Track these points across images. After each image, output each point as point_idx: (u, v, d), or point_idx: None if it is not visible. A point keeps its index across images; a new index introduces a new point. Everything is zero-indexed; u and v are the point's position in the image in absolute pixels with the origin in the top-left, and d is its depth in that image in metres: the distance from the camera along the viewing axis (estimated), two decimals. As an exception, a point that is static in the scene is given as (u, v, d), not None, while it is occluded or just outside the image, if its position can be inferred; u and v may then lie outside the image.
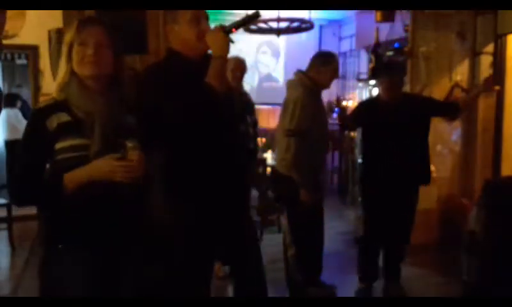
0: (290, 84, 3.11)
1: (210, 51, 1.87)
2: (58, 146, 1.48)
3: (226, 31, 1.81)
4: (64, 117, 1.49)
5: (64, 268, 1.51)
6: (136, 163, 1.48)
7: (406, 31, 4.37)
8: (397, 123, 3.03)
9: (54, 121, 1.49)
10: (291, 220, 3.08)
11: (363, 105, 3.64)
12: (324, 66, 2.99)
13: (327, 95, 7.86)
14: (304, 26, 4.96)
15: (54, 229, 1.55)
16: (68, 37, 1.54)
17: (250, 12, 1.92)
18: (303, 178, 2.90)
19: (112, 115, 1.53)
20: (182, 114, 1.78)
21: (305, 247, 3.07)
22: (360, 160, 3.72)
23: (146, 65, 1.98)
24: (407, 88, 4.26)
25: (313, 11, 5.17)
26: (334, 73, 3.05)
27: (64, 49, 1.54)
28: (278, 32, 4.89)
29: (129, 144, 1.49)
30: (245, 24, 1.94)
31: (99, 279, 1.52)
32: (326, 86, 3.07)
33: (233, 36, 1.85)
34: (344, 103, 7.03)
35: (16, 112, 6.46)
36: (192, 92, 1.79)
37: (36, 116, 1.53)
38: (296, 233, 3.06)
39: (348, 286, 3.44)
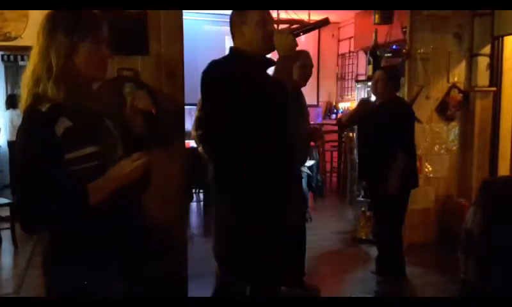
0: None
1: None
2: (70, 156, 1.26)
3: (294, 34, 1.94)
4: (67, 122, 1.27)
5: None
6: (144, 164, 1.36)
7: (404, 32, 4.41)
8: (380, 124, 3.18)
9: (60, 127, 1.26)
10: None
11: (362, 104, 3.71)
12: (293, 63, 2.96)
13: (326, 96, 7.93)
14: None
15: (69, 247, 1.33)
16: (63, 24, 1.31)
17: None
18: None
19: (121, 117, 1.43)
20: (247, 109, 1.87)
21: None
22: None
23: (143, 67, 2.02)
24: (404, 89, 4.32)
25: (312, 14, 5.21)
26: (302, 69, 3.00)
27: (62, 39, 1.29)
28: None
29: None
30: (313, 29, 2.07)
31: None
32: (300, 83, 3.04)
33: None
34: (342, 104, 7.08)
35: (18, 113, 6.44)
36: (257, 88, 1.89)
37: (42, 122, 1.26)
38: None
39: (347, 285, 3.49)
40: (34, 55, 1.32)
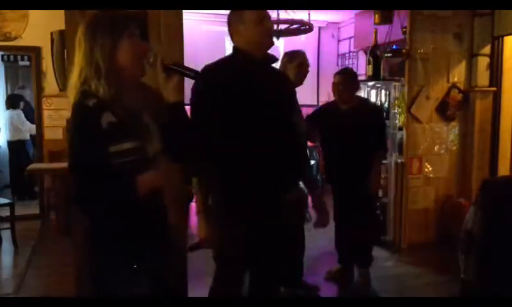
0: None
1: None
2: (111, 149, 1.38)
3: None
4: (110, 117, 1.38)
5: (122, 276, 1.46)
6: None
7: (404, 32, 4.42)
8: (348, 126, 3.22)
9: (104, 121, 1.38)
10: None
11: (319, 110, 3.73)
12: (290, 63, 2.99)
13: (326, 96, 7.92)
14: (303, 28, 5.00)
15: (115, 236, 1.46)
16: (103, 27, 1.42)
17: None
18: None
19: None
20: (251, 107, 1.89)
21: None
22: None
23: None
24: (405, 89, 4.32)
25: (312, 14, 5.22)
26: (298, 69, 3.00)
27: (104, 40, 1.40)
28: (278, 34, 4.93)
29: None
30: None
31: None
32: (296, 83, 2.99)
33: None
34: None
35: (19, 113, 6.50)
36: (266, 84, 1.92)
37: (89, 115, 1.37)
38: None
39: (347, 285, 3.48)
40: (79, 59, 1.43)
